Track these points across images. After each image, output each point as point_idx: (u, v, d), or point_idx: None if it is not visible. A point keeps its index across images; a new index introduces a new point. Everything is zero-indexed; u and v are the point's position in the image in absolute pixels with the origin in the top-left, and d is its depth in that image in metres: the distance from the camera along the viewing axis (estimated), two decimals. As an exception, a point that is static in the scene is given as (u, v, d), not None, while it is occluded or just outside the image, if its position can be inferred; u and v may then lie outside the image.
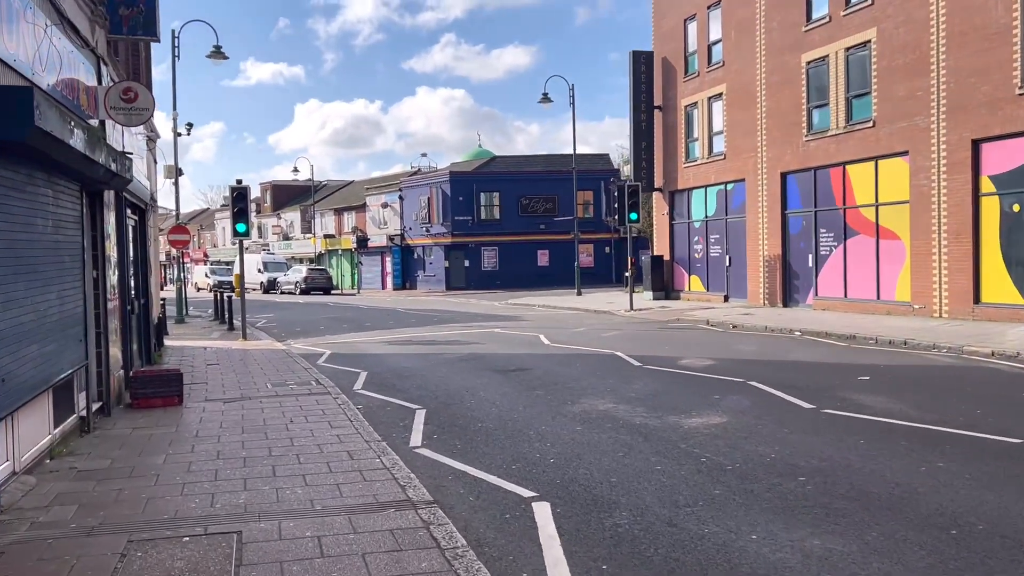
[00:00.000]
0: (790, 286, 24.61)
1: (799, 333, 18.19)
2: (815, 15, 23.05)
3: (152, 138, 16.76)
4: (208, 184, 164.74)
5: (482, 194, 51.01)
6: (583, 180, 50.76)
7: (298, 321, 27.74)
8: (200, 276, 68.73)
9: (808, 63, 23.25)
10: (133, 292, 14.05)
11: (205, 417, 9.93)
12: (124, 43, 13.34)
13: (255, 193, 77.37)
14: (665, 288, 31.12)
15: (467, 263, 50.98)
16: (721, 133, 27.67)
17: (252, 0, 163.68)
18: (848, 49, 21.73)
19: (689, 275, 30.21)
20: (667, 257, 31.25)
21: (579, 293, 37.22)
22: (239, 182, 20.93)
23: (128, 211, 13.22)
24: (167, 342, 20.41)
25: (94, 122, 9.63)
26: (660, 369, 12.97)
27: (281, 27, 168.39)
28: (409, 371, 14.02)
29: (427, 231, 52.70)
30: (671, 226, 31.00)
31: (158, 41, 11.68)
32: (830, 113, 22.44)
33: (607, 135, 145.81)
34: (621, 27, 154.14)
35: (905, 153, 20.12)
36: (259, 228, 76.74)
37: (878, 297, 21.16)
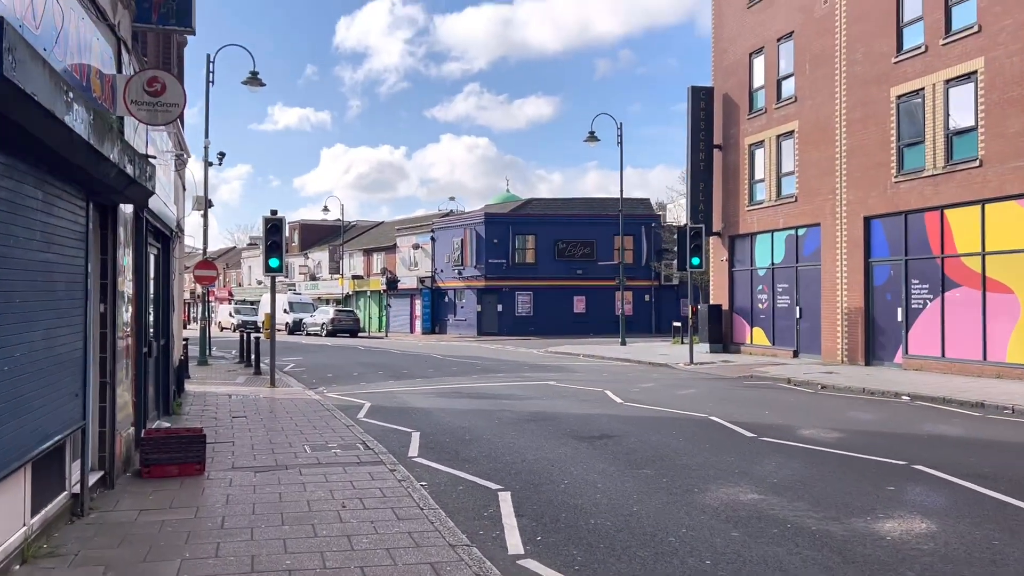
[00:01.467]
0: (874, 342, 22.24)
1: (907, 398, 15.82)
2: (907, 45, 21.02)
3: (182, 158, 14.88)
4: (236, 224, 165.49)
5: (517, 237, 49.08)
6: (624, 225, 48.79)
7: (329, 366, 25.63)
8: (224, 315, 67.09)
9: (899, 97, 21.17)
10: (152, 331, 12.03)
11: (233, 495, 7.76)
12: (154, 37, 11.49)
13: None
14: (723, 340, 28.78)
15: (500, 308, 48.87)
16: (792, 174, 25.56)
17: (282, 47, 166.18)
18: (948, 81, 19.63)
19: (751, 327, 27.88)
20: (726, 307, 28.97)
21: (623, 343, 34.93)
22: (274, 213, 19.02)
23: (150, 237, 11.25)
24: (188, 387, 18.37)
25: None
26: (782, 443, 10.66)
27: (309, 74, 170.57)
28: (470, 433, 11.81)
29: (459, 274, 50.76)
30: (731, 273, 28.78)
31: (192, 33, 9.79)
32: (925, 151, 20.28)
33: (631, 185, 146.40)
34: (640, 80, 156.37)
35: (1020, 196, 17.88)
36: (286, 268, 75.05)
37: (984, 358, 18.75)
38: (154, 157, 7.88)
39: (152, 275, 11.74)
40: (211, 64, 25.56)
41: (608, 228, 49.10)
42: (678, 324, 36.11)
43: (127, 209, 8.45)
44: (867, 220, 22.38)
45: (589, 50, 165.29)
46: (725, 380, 20.01)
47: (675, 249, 50.68)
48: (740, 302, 28.53)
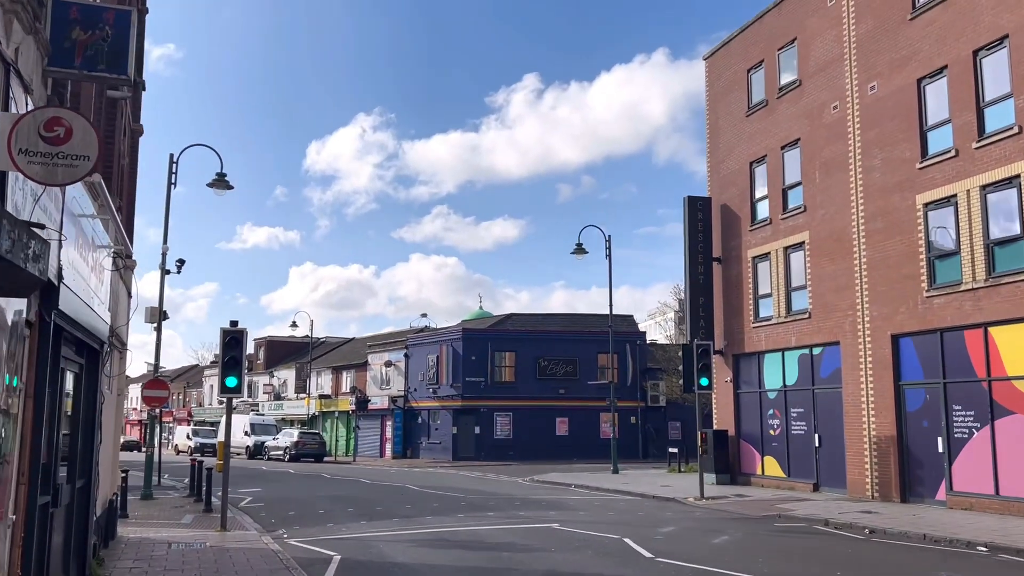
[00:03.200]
0: (910, 476, 19.76)
1: (984, 549, 13.27)
2: (934, 149, 19.48)
3: (121, 256, 12.44)
4: (200, 342, 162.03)
5: (496, 354, 46.60)
6: (605, 342, 46.61)
7: (291, 500, 22.52)
8: (181, 438, 63.08)
9: (926, 205, 19.47)
10: (64, 471, 9.30)
11: None
12: (89, 93, 9.22)
13: (248, 350, 72.97)
14: (731, 471, 26.14)
15: (478, 429, 45.84)
16: (804, 288, 23.62)
17: (252, 168, 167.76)
18: (986, 187, 17.97)
19: (762, 456, 25.32)
20: (732, 432, 26.47)
21: (616, 470, 32.08)
22: (234, 324, 16.51)
23: (67, 349, 8.70)
24: (123, 530, 15.37)
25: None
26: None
27: (278, 194, 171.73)
28: (475, 609, 9.06)
29: (434, 393, 47.91)
30: (736, 395, 26.42)
31: (129, 84, 7.55)
32: (962, 263, 18.41)
33: (596, 305, 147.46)
34: (601, 204, 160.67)
35: (1082, 311, 15.93)
36: (249, 386, 71.65)
37: (1050, 496, 16.37)
38: (43, 227, 5.44)
39: (65, 395, 9.11)
40: (174, 165, 23.49)
41: (591, 345, 46.90)
42: (674, 450, 33.42)
43: (12, 306, 5.95)
44: (895, 338, 20.30)
45: (552, 175, 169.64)
46: (751, 521, 17.32)
47: (660, 369, 48.55)
48: (748, 427, 26.06)
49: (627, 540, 13.95)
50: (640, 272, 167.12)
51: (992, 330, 17.74)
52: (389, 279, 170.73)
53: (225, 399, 16.65)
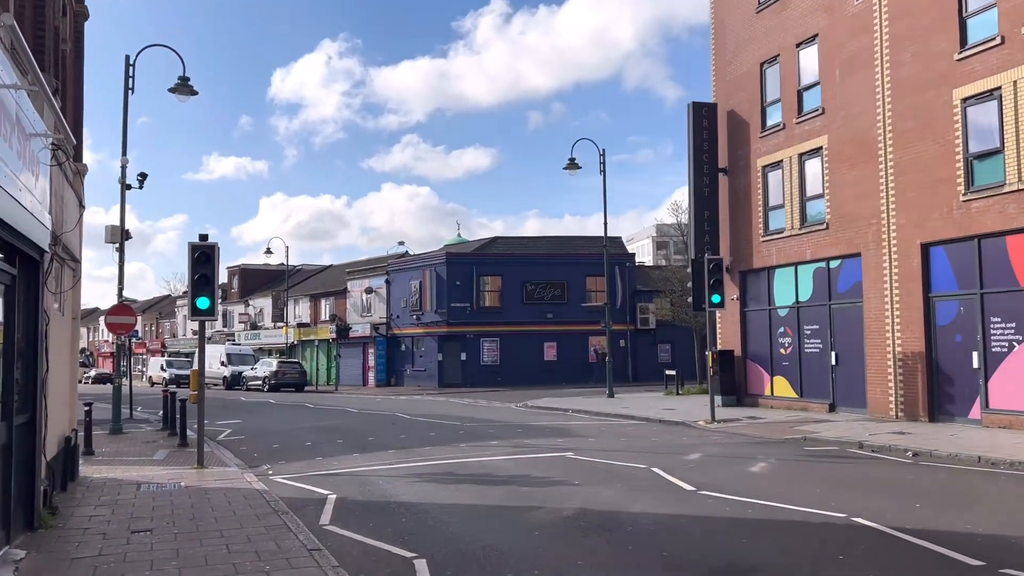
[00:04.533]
0: (940, 394, 18.48)
1: (1052, 470, 11.97)
2: (974, 38, 17.66)
3: (64, 151, 10.43)
4: (172, 273, 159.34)
5: (482, 278, 44.95)
6: (594, 265, 45.14)
7: (274, 432, 20.95)
8: (155, 369, 61.33)
9: (964, 100, 17.73)
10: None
11: None
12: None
13: (221, 278, 70.80)
14: (736, 392, 24.86)
15: (464, 356, 44.47)
16: (821, 197, 21.96)
17: (216, 98, 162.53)
18: (1037, 76, 16.25)
19: (771, 376, 24.02)
20: (738, 353, 25.11)
21: (611, 394, 30.81)
22: (203, 238, 14.59)
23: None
24: (88, 470, 13.71)
25: None
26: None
27: (243, 123, 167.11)
28: (508, 561, 7.50)
29: (418, 319, 46.32)
30: (743, 314, 24.97)
31: None
32: (1006, 162, 16.78)
33: (572, 232, 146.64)
34: (572, 131, 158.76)
35: None
36: (224, 316, 69.71)
37: (1102, 412, 15.11)
38: None
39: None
40: (131, 68, 21.15)
41: (579, 268, 45.38)
42: (671, 372, 32.14)
43: None
44: (925, 248, 18.78)
45: (522, 103, 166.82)
46: (776, 445, 15.97)
47: (651, 291, 47.13)
48: (756, 347, 24.70)
49: (656, 470, 12.48)
50: (613, 200, 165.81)
51: (1039, 235, 16.24)
52: (361, 209, 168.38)
53: (197, 322, 14.85)
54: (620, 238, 50.09)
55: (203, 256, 14.34)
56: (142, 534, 8.80)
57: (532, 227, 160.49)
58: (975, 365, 17.48)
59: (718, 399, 24.59)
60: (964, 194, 17.63)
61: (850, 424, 18.68)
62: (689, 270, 25.42)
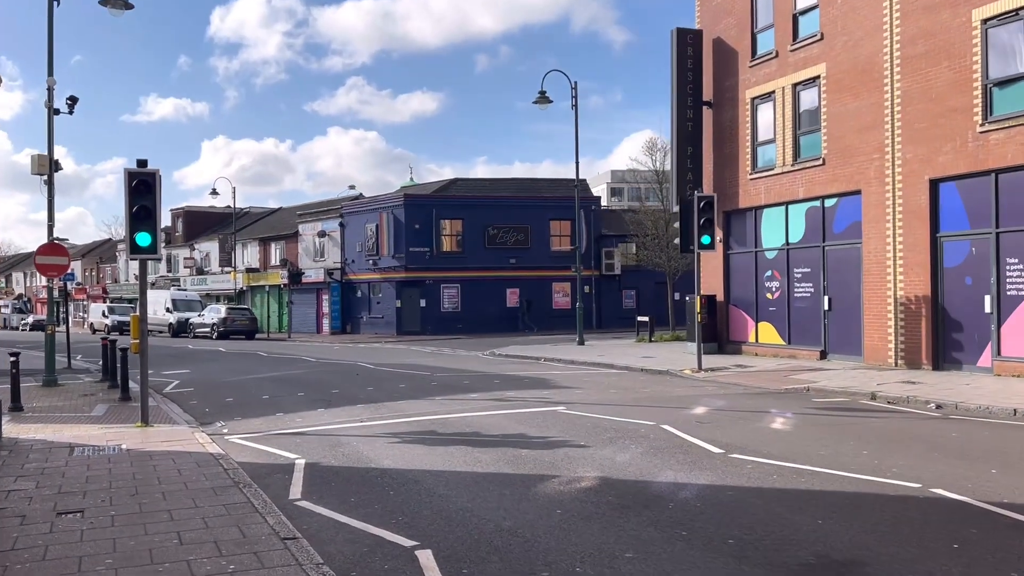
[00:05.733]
0: (946, 340, 17.37)
1: (1103, 424, 10.82)
2: (998, -47, 16.17)
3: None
4: (113, 216, 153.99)
5: (442, 222, 43.04)
6: (559, 208, 43.62)
7: (226, 383, 19.15)
8: (97, 316, 58.52)
9: (985, 21, 16.30)
10: None
11: None
12: None
13: (164, 221, 67.60)
14: (718, 339, 23.63)
15: (424, 303, 42.73)
16: (817, 131, 20.52)
17: (153, 37, 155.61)
18: (1070, -6, 14.85)
19: (756, 322, 22.81)
20: (720, 298, 23.83)
21: (581, 342, 29.46)
22: (142, 164, 12.59)
23: None
24: (12, 429, 11.86)
25: None
26: None
27: (181, 64, 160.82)
28: (534, 548, 5.97)
29: (374, 264, 44.35)
30: (726, 257, 23.64)
31: None
32: (1030, 90, 15.46)
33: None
34: (520, 76, 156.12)
35: None
36: (168, 261, 66.80)
37: None
38: None
39: None
40: (56, -24, 18.62)
41: (543, 211, 43.76)
42: (643, 319, 30.87)
43: None
44: (934, 183, 17.50)
45: (469, 45, 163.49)
46: (780, 397, 14.70)
47: (614, 235, 45.74)
48: (740, 292, 23.43)
49: (667, 428, 11.04)
50: (563, 146, 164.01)
51: (1066, 168, 15.00)
52: (306, 154, 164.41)
53: (138, 261, 12.93)
54: (585, 180, 48.41)
55: (142, 185, 12.37)
56: (71, 517, 7.09)
57: (482, 174, 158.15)
58: (987, 310, 16.35)
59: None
60: (981, 125, 16.30)
61: (850, 373, 17.52)
62: (676, 209, 23.90)
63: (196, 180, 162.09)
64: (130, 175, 12.35)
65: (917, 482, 7.60)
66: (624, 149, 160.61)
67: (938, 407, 12.88)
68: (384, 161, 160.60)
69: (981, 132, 16.30)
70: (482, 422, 12.04)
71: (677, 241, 20.39)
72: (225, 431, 12.09)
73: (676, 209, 24.52)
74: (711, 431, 10.71)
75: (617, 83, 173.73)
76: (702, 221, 18.81)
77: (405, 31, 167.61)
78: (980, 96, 16.34)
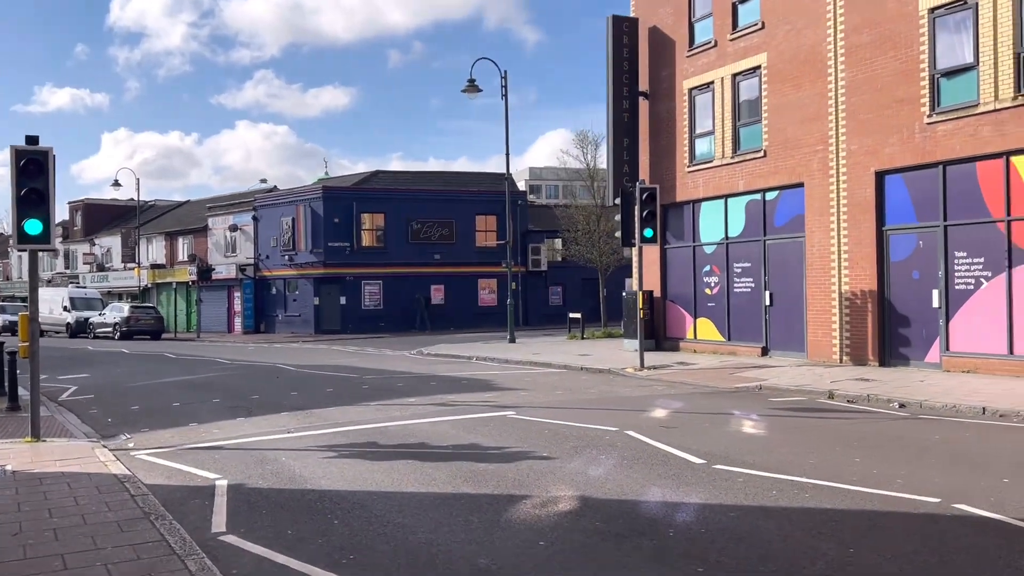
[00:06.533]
0: (893, 335, 17.02)
1: (1079, 423, 10.39)
2: (947, -60, 15.84)
3: None
4: (4, 209, 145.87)
5: (363, 215, 41.42)
6: (484, 203, 42.63)
7: (131, 388, 17.43)
8: (-14, 315, 54.56)
9: (932, 10, 15.96)
10: None
11: None
12: None
13: (62, 215, 63.82)
14: (656, 335, 22.96)
15: (344, 300, 41.06)
16: (758, 122, 20.01)
17: (47, 23, 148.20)
18: (1022, -18, 14.55)
19: (694, 318, 22.23)
20: (657, 294, 23.17)
21: (512, 340, 28.50)
22: (33, 140, 10.98)
23: None
24: None
25: None
26: None
27: (78, 53, 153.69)
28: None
29: (291, 260, 42.43)
30: (663, 252, 22.97)
31: None
32: (980, 79, 15.15)
33: None
34: (434, 72, 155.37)
35: None
36: (67, 256, 63.04)
37: (1084, 354, 13.86)
38: None
39: None
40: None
41: (469, 206, 42.65)
42: (575, 315, 30.12)
43: None
44: (880, 176, 17.12)
45: (381, 40, 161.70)
46: (732, 397, 14.02)
47: (540, 231, 44.95)
48: (677, 288, 22.83)
49: (633, 434, 10.11)
50: (478, 145, 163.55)
51: (1016, 160, 14.72)
52: (213, 147, 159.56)
53: (27, 253, 11.29)
54: (510, 175, 47.36)
55: (32, 165, 10.78)
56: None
57: (399, 169, 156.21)
58: (935, 304, 16.03)
59: (635, 343, 22.63)
60: (929, 116, 15.95)
61: (797, 370, 17.00)
62: (611, 203, 23.12)
63: (96, 174, 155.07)
64: (18, 153, 10.75)
65: (933, 496, 6.82)
66: (539, 147, 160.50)
67: (902, 406, 12.34)
68: (295, 156, 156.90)
69: (928, 123, 15.96)
70: (427, 431, 10.89)
71: (618, 235, 19.54)
72: (131, 445, 10.63)
73: (612, 203, 23.80)
74: (681, 437, 9.82)
75: (530, 82, 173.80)
76: (644, 213, 18.05)
77: (316, 24, 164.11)
78: (927, 87, 16.00)
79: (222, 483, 8.20)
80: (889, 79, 16.70)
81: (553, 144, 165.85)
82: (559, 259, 44.08)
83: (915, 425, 10.79)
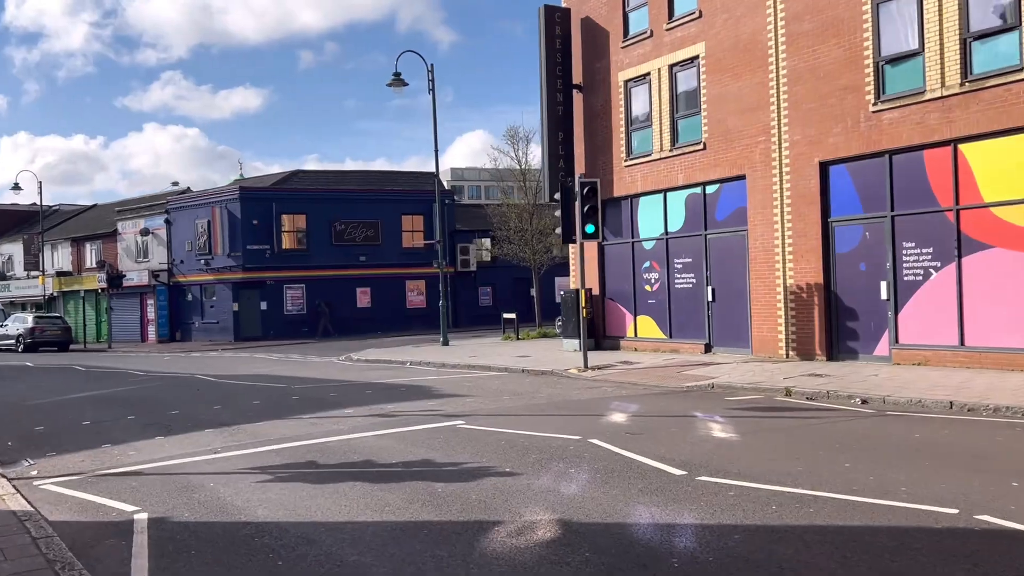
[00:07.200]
0: (839, 329, 16.71)
1: (1050, 415, 10.08)
2: (888, -75, 15.57)
3: None
4: None
5: (283, 217, 39.84)
6: (410, 203, 41.60)
7: (36, 407, 15.87)
8: None
9: (876, -3, 15.70)
10: None
11: None
12: None
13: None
14: (595, 334, 22.32)
15: (264, 305, 39.40)
16: (697, 113, 19.55)
17: None
18: (966, -33, 14.34)
19: (634, 316, 21.68)
20: (596, 292, 22.55)
21: (446, 342, 27.55)
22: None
23: None
24: None
25: None
26: None
27: None
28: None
29: (207, 265, 40.55)
30: (601, 248, 22.34)
31: None
32: (925, 66, 14.91)
33: None
34: (348, 73, 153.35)
35: (1098, 117, 12.89)
36: (-38, 265, 59.23)
37: (1035, 343, 13.71)
38: None
39: None
40: None
41: (394, 206, 41.53)
42: (510, 316, 29.35)
43: None
44: (824, 166, 16.81)
45: (293, 41, 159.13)
46: (686, 397, 13.43)
47: (468, 231, 44.02)
48: (616, 285, 22.25)
49: (597, 442, 9.34)
50: (395, 145, 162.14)
51: (964, 148, 14.51)
52: (120, 151, 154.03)
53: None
54: (434, 173, 46.36)
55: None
56: None
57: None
58: (883, 296, 15.76)
59: (575, 343, 22.04)
60: (874, 104, 15.67)
61: (744, 367, 16.54)
62: (546, 200, 22.44)
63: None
64: None
65: (948, 506, 6.22)
66: (458, 148, 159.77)
67: (864, 402, 11.91)
68: (208, 159, 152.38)
69: (874, 111, 15.68)
70: (371, 446, 9.90)
71: (558, 231, 18.81)
72: (34, 473, 9.38)
73: (547, 199, 23.12)
74: (651, 445, 9.09)
75: (447, 83, 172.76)
76: (586, 209, 17.38)
77: (224, 25, 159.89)
78: (872, 74, 15.72)
79: (142, 517, 7.11)
80: (832, 67, 16.39)
81: (472, 145, 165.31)
82: (488, 259, 43.29)
83: (886, 423, 10.31)
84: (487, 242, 42.06)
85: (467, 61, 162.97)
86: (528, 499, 7.07)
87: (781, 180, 17.51)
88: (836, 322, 16.73)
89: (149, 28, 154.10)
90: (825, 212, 16.82)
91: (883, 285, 15.74)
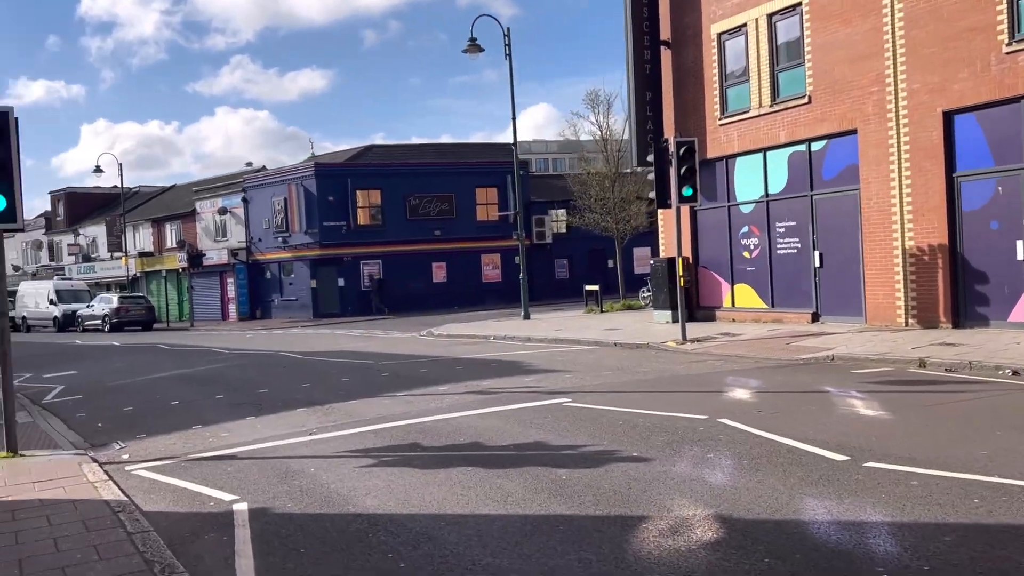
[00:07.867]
0: (968, 294, 15.31)
1: None
2: None
3: None
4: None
5: (358, 192, 39.47)
6: (485, 175, 40.79)
7: (125, 386, 15.63)
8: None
9: (1010, -75, 14.12)
10: None
11: None
12: None
13: (43, 206, 61.65)
14: (688, 305, 21.13)
15: (342, 282, 39.21)
16: (800, 64, 18.17)
17: (15, 16, 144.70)
18: None
19: (732, 285, 20.49)
20: (689, 260, 21.40)
21: (527, 316, 26.77)
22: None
23: None
24: None
25: None
26: None
27: (50, 45, 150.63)
28: None
29: (284, 242, 40.54)
30: (693, 214, 21.16)
31: None
32: (1070, 0, 13.35)
33: None
34: (410, 52, 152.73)
35: None
36: (50, 247, 60.97)
37: None
38: None
39: None
40: None
41: (468, 179, 40.76)
42: (592, 288, 28.38)
43: None
44: (948, 116, 15.32)
45: (357, 21, 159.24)
46: (807, 370, 12.34)
47: (543, 202, 43.09)
48: (711, 252, 21.07)
49: (728, 422, 8.39)
50: (458, 122, 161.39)
51: (1118, 89, 12.97)
52: (193, 135, 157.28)
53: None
54: (510, 145, 45.50)
55: (-12, 126, 8.93)
56: None
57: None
58: (1020, 256, 14.31)
59: (667, 314, 21.02)
60: (1008, 44, 14.14)
61: (861, 336, 15.30)
62: (648, 161, 21.30)
63: (77, 166, 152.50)
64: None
65: None
66: (522, 122, 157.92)
67: (1015, 373, 10.66)
68: (277, 140, 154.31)
69: (1008, 52, 14.16)
70: (475, 426, 9.15)
71: (652, 195, 17.74)
72: (125, 457, 8.91)
73: (633, 164, 22.07)
74: (791, 425, 8.11)
75: (508, 57, 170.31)
76: (683, 170, 16.30)
77: (289, 8, 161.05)
78: (1005, 11, 14.18)
79: (242, 508, 6.48)
80: (956, 6, 14.87)
81: (535, 119, 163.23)
82: (563, 231, 42.29)
83: (1054, 396, 9.12)
84: (562, 213, 41.02)
85: (529, 35, 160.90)
86: (670, 489, 6.19)
87: (898, 133, 16.08)
88: (963, 286, 15.32)
89: (217, 13, 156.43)
90: (949, 166, 15.36)
91: (1019, 244, 14.29)
